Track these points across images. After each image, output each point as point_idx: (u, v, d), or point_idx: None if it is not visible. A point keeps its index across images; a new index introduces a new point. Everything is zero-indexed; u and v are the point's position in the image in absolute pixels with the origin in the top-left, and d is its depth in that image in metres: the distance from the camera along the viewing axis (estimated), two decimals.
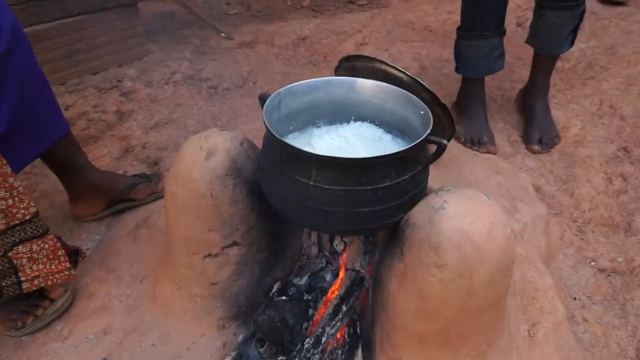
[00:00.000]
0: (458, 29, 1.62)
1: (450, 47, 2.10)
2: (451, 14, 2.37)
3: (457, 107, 1.68)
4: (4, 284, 1.04)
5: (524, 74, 1.91)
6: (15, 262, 1.03)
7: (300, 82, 1.04)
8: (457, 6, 2.46)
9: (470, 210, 0.83)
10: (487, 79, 1.69)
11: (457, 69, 1.66)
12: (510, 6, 2.36)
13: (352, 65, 1.27)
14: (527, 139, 1.57)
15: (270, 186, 0.94)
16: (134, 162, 1.59)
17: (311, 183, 0.84)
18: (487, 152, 1.52)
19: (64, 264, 1.09)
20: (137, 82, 1.76)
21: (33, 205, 1.00)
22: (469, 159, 1.39)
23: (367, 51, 2.04)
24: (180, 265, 1.05)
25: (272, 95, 0.97)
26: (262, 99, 0.98)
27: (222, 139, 0.99)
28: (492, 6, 1.53)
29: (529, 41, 1.63)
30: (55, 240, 1.06)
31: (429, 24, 2.30)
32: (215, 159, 0.96)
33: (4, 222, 0.98)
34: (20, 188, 0.97)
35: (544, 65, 1.61)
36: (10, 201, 0.97)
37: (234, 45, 2.09)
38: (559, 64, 2.00)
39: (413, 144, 0.84)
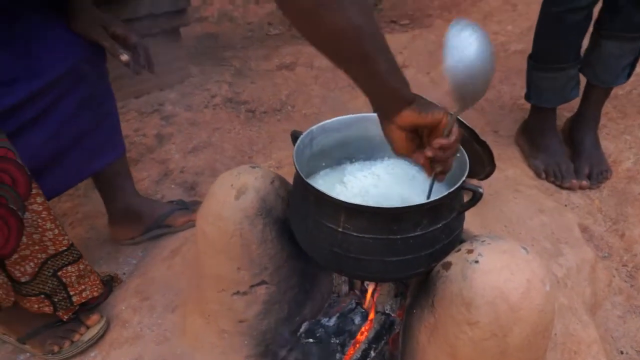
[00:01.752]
0: (530, 57, 1.56)
1: (496, 70, 2.05)
2: (496, 35, 2.31)
3: (528, 140, 1.60)
4: (55, 299, 1.11)
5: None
6: (64, 280, 1.10)
7: (334, 119, 1.04)
8: (503, 26, 2.42)
9: (506, 265, 0.79)
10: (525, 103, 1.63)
11: (528, 98, 1.59)
12: None
13: None
14: (574, 174, 1.50)
15: (298, 228, 0.93)
16: (172, 186, 1.62)
17: (340, 229, 0.83)
18: (570, 188, 1.45)
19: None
20: (177, 106, 1.81)
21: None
22: (511, 196, 1.34)
23: (408, 74, 2.00)
24: (210, 300, 1.06)
25: (304, 133, 0.97)
26: (294, 137, 0.98)
27: (253, 177, 0.99)
28: (572, 38, 1.46)
29: (581, 70, 1.56)
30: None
31: None
32: (245, 198, 0.96)
33: (53, 248, 1.05)
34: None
35: (595, 97, 1.54)
36: (56, 231, 1.04)
37: (274, 68, 2.11)
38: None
39: (446, 192, 0.81)
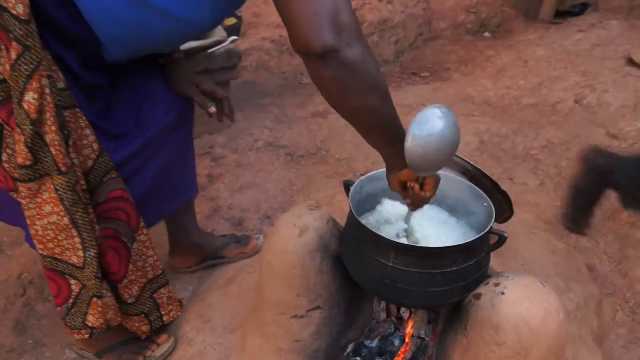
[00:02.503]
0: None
1: (509, 122, 2.26)
2: (509, 89, 2.53)
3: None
4: (152, 318, 1.29)
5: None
6: (158, 301, 1.28)
7: (378, 170, 1.24)
8: (516, 81, 2.64)
9: (527, 297, 0.97)
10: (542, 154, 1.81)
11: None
12: (569, 83, 2.51)
13: None
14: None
15: (352, 262, 1.12)
16: (221, 221, 1.82)
17: (390, 264, 1.01)
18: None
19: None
20: (226, 149, 2.02)
21: None
22: (527, 238, 1.52)
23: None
24: (270, 322, 1.23)
25: (357, 183, 1.17)
26: (347, 186, 1.18)
27: (313, 218, 1.18)
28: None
29: None
30: None
31: (489, 99, 2.47)
32: (306, 236, 1.15)
33: (152, 273, 1.24)
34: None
35: None
36: (155, 257, 1.24)
37: (309, 115, 2.34)
38: (614, 142, 2.11)
39: (478, 236, 1.00)
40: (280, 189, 1.91)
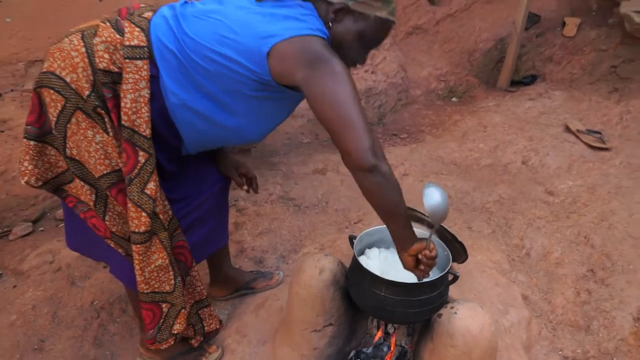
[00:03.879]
0: None
1: (470, 180, 2.80)
2: (471, 151, 3.09)
3: None
4: (196, 328, 1.74)
5: (524, 205, 2.57)
6: (202, 316, 1.74)
7: (374, 227, 1.74)
8: (477, 144, 3.20)
9: (471, 315, 1.47)
10: (494, 207, 2.35)
11: None
12: (518, 146, 3.08)
13: None
14: None
15: (355, 292, 1.61)
16: (246, 260, 2.29)
17: (382, 294, 1.51)
18: None
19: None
20: (247, 202, 2.50)
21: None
22: (478, 275, 2.03)
23: (407, 181, 2.75)
24: (296, 335, 1.70)
25: (358, 237, 1.67)
26: (350, 239, 1.68)
27: (328, 262, 1.67)
28: None
29: None
30: None
31: (454, 159, 3.02)
32: (324, 274, 1.64)
33: (198, 297, 1.70)
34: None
35: None
36: (202, 286, 1.70)
37: (310, 172, 2.85)
38: (550, 198, 2.66)
39: (440, 275, 1.51)
40: (291, 234, 2.40)
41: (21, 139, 2.80)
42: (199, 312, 1.75)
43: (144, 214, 1.40)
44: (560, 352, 1.85)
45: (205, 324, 1.78)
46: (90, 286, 2.14)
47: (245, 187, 1.83)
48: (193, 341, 1.78)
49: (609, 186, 2.67)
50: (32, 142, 1.36)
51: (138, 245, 1.44)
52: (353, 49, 1.41)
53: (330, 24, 1.36)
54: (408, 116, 3.62)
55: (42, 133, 1.37)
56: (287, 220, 2.48)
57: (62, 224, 2.57)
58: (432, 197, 1.43)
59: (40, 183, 1.41)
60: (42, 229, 2.51)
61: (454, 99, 3.92)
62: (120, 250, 1.50)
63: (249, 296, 2.07)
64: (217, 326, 1.84)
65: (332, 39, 1.36)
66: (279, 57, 1.25)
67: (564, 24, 4.08)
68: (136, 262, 1.46)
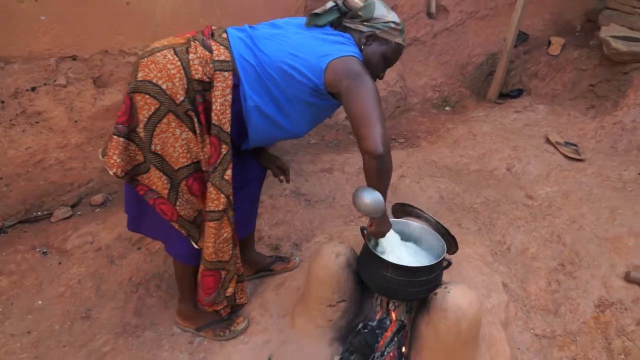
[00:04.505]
0: None
1: (460, 183, 3.13)
2: (462, 157, 3.41)
3: None
4: (229, 299, 2.02)
5: (507, 207, 2.91)
6: (236, 289, 2.03)
7: None
8: (468, 151, 3.52)
9: (460, 294, 1.79)
10: (481, 208, 2.68)
11: None
12: (503, 154, 3.42)
13: (401, 207, 2.28)
14: None
15: (365, 273, 1.92)
16: (264, 246, 2.59)
17: (388, 275, 1.82)
18: None
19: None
20: (264, 195, 2.79)
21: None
22: (466, 264, 2.35)
23: (405, 183, 3.06)
24: (313, 309, 2.01)
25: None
26: (362, 229, 2.00)
27: (342, 248, 1.98)
28: None
29: None
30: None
31: (447, 164, 3.35)
32: (339, 258, 1.95)
33: (238, 271, 1.99)
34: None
35: None
36: (239, 263, 1.99)
37: (318, 170, 3.15)
38: (529, 202, 3.00)
39: (436, 261, 1.83)
40: (303, 225, 2.70)
41: (55, 130, 3.07)
42: (236, 285, 2.05)
43: (222, 195, 1.71)
44: (532, 331, 2.19)
45: (237, 297, 2.08)
46: (127, 265, 2.42)
47: (281, 178, 2.15)
48: (222, 311, 2.08)
49: (581, 193, 3.02)
50: (121, 139, 1.65)
51: (215, 222, 1.75)
52: (378, 66, 1.82)
53: (362, 47, 1.76)
54: (405, 122, 3.94)
55: (128, 131, 1.66)
56: (299, 213, 2.78)
57: (99, 209, 2.85)
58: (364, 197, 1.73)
59: (123, 174, 1.70)
60: (79, 213, 2.78)
61: (447, 108, 4.25)
62: (183, 231, 1.80)
63: (269, 277, 2.37)
64: (246, 301, 2.14)
65: (364, 58, 1.75)
66: (332, 70, 1.64)
67: (549, 43, 4.42)
68: (211, 235, 1.77)
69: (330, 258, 1.95)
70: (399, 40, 1.81)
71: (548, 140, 3.55)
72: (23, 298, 2.22)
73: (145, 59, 1.65)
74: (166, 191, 1.74)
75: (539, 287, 2.37)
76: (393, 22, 1.78)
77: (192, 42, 1.67)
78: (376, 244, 1.94)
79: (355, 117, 1.62)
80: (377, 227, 1.81)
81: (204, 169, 1.73)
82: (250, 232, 2.27)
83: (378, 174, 1.65)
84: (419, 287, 1.83)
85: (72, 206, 2.82)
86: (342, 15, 1.79)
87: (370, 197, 1.70)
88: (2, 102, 2.89)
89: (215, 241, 1.78)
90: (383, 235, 1.86)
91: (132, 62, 3.25)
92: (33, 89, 2.93)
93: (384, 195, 1.73)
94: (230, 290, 1.95)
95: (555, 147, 3.45)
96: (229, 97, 1.66)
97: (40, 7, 2.86)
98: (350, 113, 1.65)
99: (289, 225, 2.69)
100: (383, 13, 1.78)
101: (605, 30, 3.91)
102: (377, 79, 1.87)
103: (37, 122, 2.91)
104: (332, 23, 1.79)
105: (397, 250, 1.95)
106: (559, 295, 2.35)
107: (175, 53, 1.64)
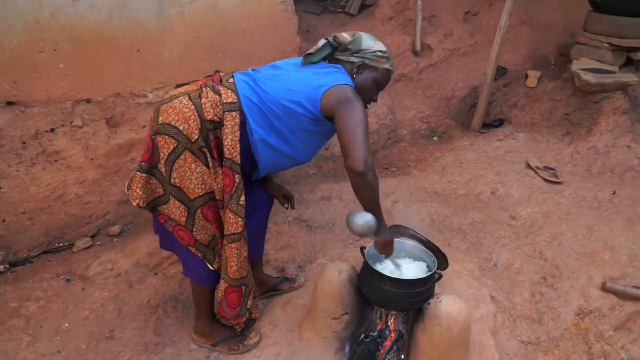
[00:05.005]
0: None
1: (449, 206, 3.38)
2: (449, 183, 3.66)
3: None
4: (250, 315, 2.20)
5: (492, 227, 3.14)
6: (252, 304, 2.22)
7: None
8: (455, 177, 3.78)
9: (452, 303, 2.00)
10: (468, 229, 2.92)
11: None
12: (488, 179, 3.68)
13: (396, 228, 2.51)
14: None
15: (365, 287, 2.13)
16: (270, 269, 2.79)
17: (386, 288, 2.04)
18: None
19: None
20: (269, 222, 3.00)
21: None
22: (456, 279, 2.57)
23: (398, 207, 3.29)
24: (319, 322, 2.20)
25: (367, 247, 2.21)
26: (362, 249, 2.22)
27: (344, 266, 2.19)
28: None
29: None
30: None
31: (436, 189, 3.59)
32: (342, 275, 2.16)
33: (252, 285, 2.19)
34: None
35: None
36: (253, 280, 2.19)
37: (318, 198, 3.38)
38: (513, 222, 3.24)
39: (429, 274, 2.06)
40: (306, 249, 2.92)
41: (73, 168, 3.30)
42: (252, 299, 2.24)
43: (240, 219, 1.93)
44: (518, 338, 2.39)
45: (252, 311, 2.27)
46: (146, 289, 2.62)
47: (286, 207, 2.38)
48: (237, 327, 2.26)
49: (560, 212, 3.26)
50: (144, 174, 1.89)
51: (235, 243, 1.95)
52: (372, 91, 2.06)
53: (355, 76, 2.00)
54: (396, 152, 4.20)
55: (149, 168, 1.90)
56: (302, 238, 3.00)
57: (116, 239, 3.05)
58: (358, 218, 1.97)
59: (144, 204, 1.92)
60: (99, 243, 2.98)
61: (435, 138, 4.53)
62: (199, 254, 2.01)
63: (277, 296, 2.56)
64: (258, 315, 2.32)
65: (357, 85, 1.99)
66: (326, 97, 1.88)
67: (527, 76, 4.75)
68: (233, 256, 1.97)
69: (334, 274, 2.17)
70: (387, 65, 2.04)
71: (528, 165, 3.81)
72: (51, 321, 2.40)
73: (165, 105, 1.90)
74: (184, 219, 1.96)
75: (523, 298, 2.58)
76: (379, 51, 2.01)
77: (203, 89, 1.92)
78: (378, 261, 2.16)
79: (343, 136, 1.83)
80: (379, 246, 2.03)
81: (217, 197, 1.95)
82: (259, 255, 2.48)
83: (362, 189, 1.87)
84: (414, 298, 2.04)
85: (92, 237, 3.02)
86: (334, 50, 2.03)
87: (361, 219, 1.93)
88: (24, 142, 3.12)
89: (238, 260, 1.99)
90: (390, 253, 2.06)
91: (142, 103, 3.51)
92: (52, 130, 3.16)
93: (376, 213, 1.94)
94: (249, 303, 2.15)
95: (535, 172, 3.71)
96: (238, 133, 1.90)
97: (58, 56, 3.13)
98: (339, 133, 1.87)
99: (293, 249, 2.90)
100: (370, 44, 2.01)
101: (576, 64, 4.24)
102: (372, 102, 2.13)
103: (56, 161, 3.14)
104: (326, 57, 2.02)
105: (397, 265, 2.18)
106: (542, 305, 2.56)
107: (190, 99, 1.89)
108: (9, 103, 3.08)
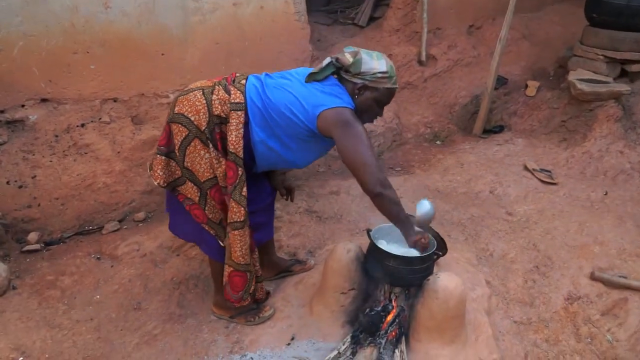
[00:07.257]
0: None
1: (450, 203, 3.57)
2: (451, 182, 3.85)
3: None
4: (253, 293, 2.37)
5: (490, 222, 3.32)
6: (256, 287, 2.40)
7: (383, 224, 2.47)
8: (456, 177, 3.97)
9: (449, 279, 2.19)
10: (467, 223, 3.11)
11: None
12: (487, 180, 3.86)
13: None
14: None
15: (371, 264, 2.32)
16: (283, 254, 2.97)
17: (391, 264, 2.23)
18: None
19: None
20: (282, 212, 3.21)
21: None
22: (454, 265, 2.75)
23: (402, 202, 3.49)
24: (328, 296, 2.39)
25: (373, 230, 2.40)
26: (368, 231, 2.41)
27: (352, 246, 2.38)
28: None
29: None
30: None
31: (438, 187, 3.77)
32: (350, 254, 2.35)
33: (257, 272, 2.38)
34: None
35: None
36: (258, 266, 2.37)
37: (327, 193, 3.58)
38: (509, 217, 3.42)
39: (429, 252, 2.25)
40: (316, 237, 3.10)
41: (101, 159, 3.53)
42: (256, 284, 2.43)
43: (242, 208, 2.12)
44: (511, 318, 2.56)
45: (256, 294, 2.44)
46: (169, 268, 2.81)
47: (286, 199, 2.57)
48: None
49: (554, 210, 3.43)
50: (163, 157, 2.10)
51: (238, 230, 2.12)
52: (374, 109, 2.18)
53: (356, 97, 2.10)
54: (401, 154, 4.40)
55: (167, 152, 2.11)
56: (312, 227, 3.19)
57: (141, 224, 3.26)
58: (422, 207, 2.19)
59: (165, 184, 2.13)
60: (126, 227, 3.18)
61: (437, 142, 4.72)
62: (212, 231, 2.19)
63: (289, 277, 2.74)
64: (264, 296, 2.48)
65: (358, 105, 2.09)
66: (324, 119, 2.00)
67: (526, 86, 4.94)
68: (237, 242, 2.13)
69: (343, 253, 2.36)
70: (388, 85, 2.07)
71: (526, 168, 3.98)
72: (84, 293, 2.60)
73: (182, 97, 2.11)
74: (197, 198, 2.15)
75: (517, 284, 2.76)
76: (380, 72, 2.03)
77: (216, 86, 2.10)
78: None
79: (348, 164, 1.98)
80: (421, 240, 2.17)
81: (220, 184, 2.12)
82: (270, 240, 2.66)
83: (384, 207, 2.06)
84: (416, 274, 2.23)
85: (119, 221, 3.23)
86: (338, 69, 2.07)
87: (421, 210, 2.22)
88: (56, 136, 3.34)
89: (242, 247, 2.15)
90: (426, 247, 2.18)
91: (164, 103, 3.74)
92: (82, 125, 3.39)
93: (405, 223, 2.14)
94: (252, 288, 2.31)
95: (532, 173, 3.89)
96: (242, 131, 2.06)
97: (90, 58, 3.37)
98: (343, 159, 2.02)
99: (304, 237, 3.09)
100: (371, 66, 2.02)
101: (572, 75, 4.44)
102: (378, 117, 2.24)
103: (86, 153, 3.36)
104: (334, 73, 2.07)
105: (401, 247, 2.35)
106: (534, 290, 2.73)
107: (203, 94, 2.07)
108: (44, 100, 3.32)
